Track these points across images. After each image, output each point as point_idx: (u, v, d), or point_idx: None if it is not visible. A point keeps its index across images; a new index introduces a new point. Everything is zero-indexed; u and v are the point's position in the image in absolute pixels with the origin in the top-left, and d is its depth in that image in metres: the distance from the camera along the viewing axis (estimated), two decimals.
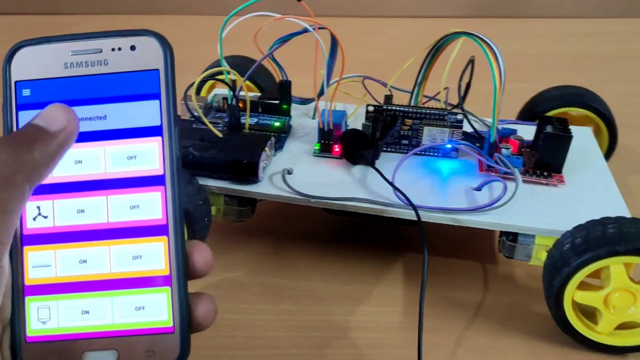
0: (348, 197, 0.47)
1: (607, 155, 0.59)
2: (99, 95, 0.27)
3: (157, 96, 0.27)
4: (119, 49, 0.27)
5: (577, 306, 0.43)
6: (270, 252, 0.54)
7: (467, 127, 0.54)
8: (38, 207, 0.27)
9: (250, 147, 0.49)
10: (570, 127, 0.50)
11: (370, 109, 0.53)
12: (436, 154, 0.53)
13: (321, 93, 0.53)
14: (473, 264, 0.53)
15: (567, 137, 0.49)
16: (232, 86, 0.54)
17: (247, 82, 0.60)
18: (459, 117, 0.52)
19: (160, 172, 0.27)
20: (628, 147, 0.66)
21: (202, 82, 0.63)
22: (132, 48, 0.27)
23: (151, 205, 0.27)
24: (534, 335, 0.46)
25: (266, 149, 0.49)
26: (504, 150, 0.51)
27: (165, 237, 0.27)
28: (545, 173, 0.50)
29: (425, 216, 0.46)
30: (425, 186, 0.49)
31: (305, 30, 0.49)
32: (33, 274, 0.27)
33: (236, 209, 0.49)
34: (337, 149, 0.52)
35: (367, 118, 0.53)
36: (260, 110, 0.57)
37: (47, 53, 0.27)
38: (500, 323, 0.47)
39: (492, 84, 0.47)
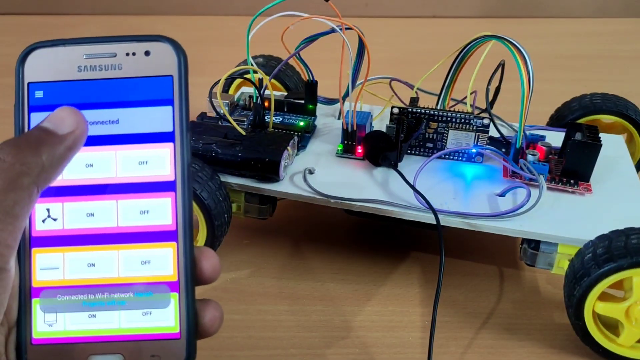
0: (367, 198, 0.47)
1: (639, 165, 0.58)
2: (111, 100, 0.27)
3: (170, 102, 0.27)
4: (133, 53, 0.27)
5: (598, 317, 0.42)
6: (271, 252, 0.54)
7: (494, 132, 0.53)
8: (48, 210, 0.27)
9: (273, 146, 0.49)
10: (601, 134, 0.49)
11: (395, 111, 0.52)
12: (460, 158, 0.52)
13: (346, 94, 0.53)
14: (492, 268, 0.52)
15: (596, 146, 0.48)
16: (259, 85, 0.54)
17: (274, 81, 0.60)
18: (486, 121, 0.51)
19: (171, 178, 0.27)
20: None
21: (230, 81, 0.64)
22: (147, 53, 0.27)
23: (161, 211, 0.27)
24: (553, 345, 0.45)
25: (288, 147, 0.49)
26: (529, 157, 0.50)
27: (174, 243, 0.27)
28: (572, 181, 0.49)
29: (445, 220, 0.45)
30: (448, 190, 0.49)
31: (333, 31, 0.49)
32: (41, 276, 0.27)
33: (257, 207, 0.50)
34: (359, 150, 0.52)
35: (391, 120, 0.53)
36: (285, 109, 0.57)
37: (60, 55, 0.27)
38: (519, 331, 0.46)
39: (518, 83, 0.47)
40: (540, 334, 0.46)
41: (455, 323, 0.47)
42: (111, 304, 0.27)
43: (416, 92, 0.55)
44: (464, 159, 0.52)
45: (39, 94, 0.27)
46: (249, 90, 0.60)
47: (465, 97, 0.54)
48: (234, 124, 0.50)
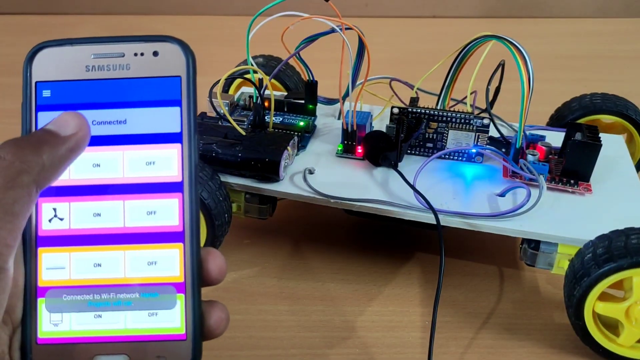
0: (367, 198, 0.47)
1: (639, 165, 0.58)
2: (119, 100, 0.27)
3: (178, 103, 0.27)
4: (142, 54, 0.27)
5: (598, 317, 0.42)
6: (271, 252, 0.54)
7: (494, 132, 0.53)
8: (54, 209, 0.27)
9: (273, 146, 0.49)
10: (601, 134, 0.49)
11: (395, 111, 0.52)
12: (460, 158, 0.52)
13: (346, 94, 0.53)
14: (492, 268, 0.53)
15: (596, 146, 0.48)
16: (259, 85, 0.54)
17: (274, 81, 0.60)
18: (485, 121, 0.51)
19: (179, 179, 0.27)
20: None
21: (230, 81, 0.64)
22: (155, 54, 0.27)
23: (168, 212, 0.27)
24: (553, 345, 0.45)
25: (288, 147, 0.49)
26: (529, 157, 0.50)
27: (181, 244, 0.27)
28: (572, 181, 0.49)
29: (445, 220, 0.45)
30: (447, 190, 0.49)
31: (333, 31, 0.49)
32: (47, 276, 0.27)
33: (257, 207, 0.50)
34: (359, 150, 0.52)
35: (391, 120, 0.53)
36: (285, 109, 0.57)
37: (68, 55, 0.27)
38: (519, 331, 0.46)
39: (518, 83, 0.47)
40: (540, 334, 0.46)
41: (455, 323, 0.47)
42: (117, 304, 0.27)
43: (416, 92, 0.55)
44: (464, 159, 0.52)
45: (46, 93, 0.27)
46: (249, 90, 0.60)
47: (465, 97, 0.54)
48: (234, 124, 0.50)
